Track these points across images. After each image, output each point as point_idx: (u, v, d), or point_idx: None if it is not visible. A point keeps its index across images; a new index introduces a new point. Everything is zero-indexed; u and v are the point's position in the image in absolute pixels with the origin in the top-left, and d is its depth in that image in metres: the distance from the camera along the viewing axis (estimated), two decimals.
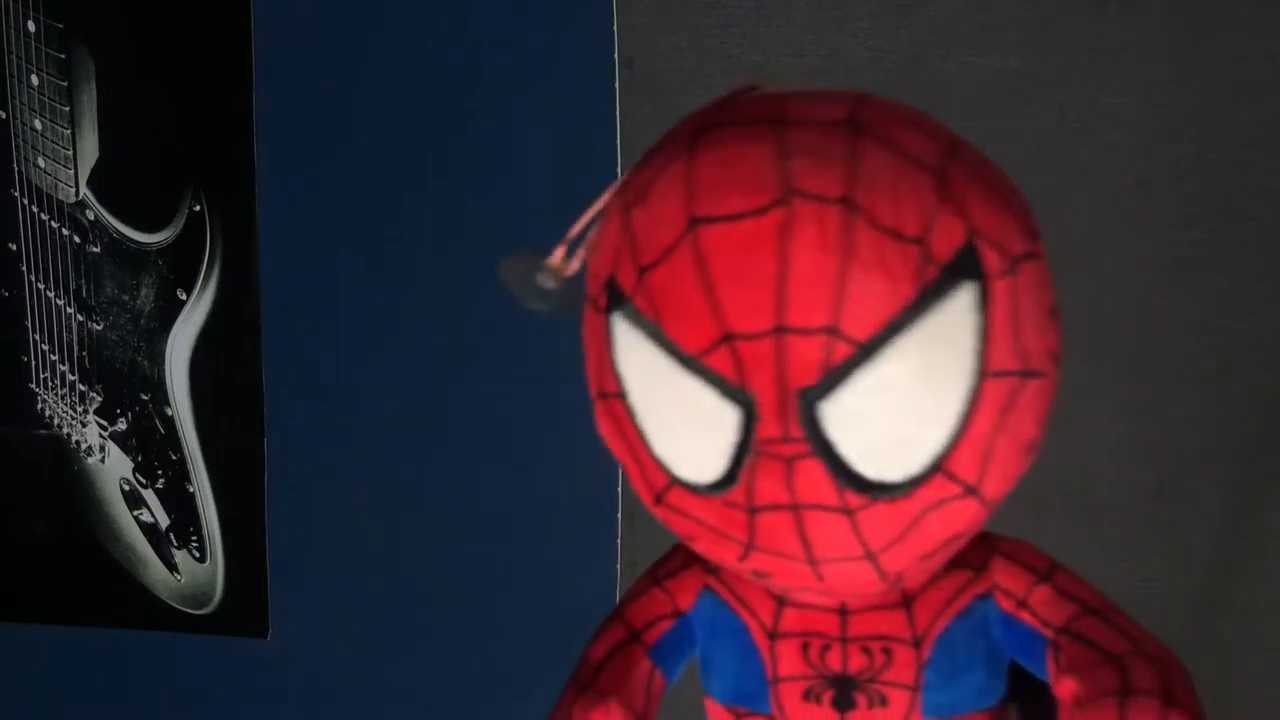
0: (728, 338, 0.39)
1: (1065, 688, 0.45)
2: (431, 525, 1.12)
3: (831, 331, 0.38)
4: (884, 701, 0.48)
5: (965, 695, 0.48)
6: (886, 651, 0.47)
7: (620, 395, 0.43)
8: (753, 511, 0.42)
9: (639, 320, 0.41)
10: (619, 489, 1.06)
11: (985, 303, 0.39)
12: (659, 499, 0.44)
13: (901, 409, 0.39)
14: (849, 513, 0.41)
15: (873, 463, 0.40)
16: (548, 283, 0.45)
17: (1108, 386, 0.98)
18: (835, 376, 0.39)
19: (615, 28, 1.01)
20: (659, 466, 0.43)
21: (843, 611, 0.47)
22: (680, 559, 0.51)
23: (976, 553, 0.48)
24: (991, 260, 0.39)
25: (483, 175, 1.06)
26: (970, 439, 0.40)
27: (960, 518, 0.42)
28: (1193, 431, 0.99)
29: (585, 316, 0.44)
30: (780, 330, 0.38)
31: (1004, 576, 0.48)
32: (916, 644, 0.47)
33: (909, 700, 0.48)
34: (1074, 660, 0.45)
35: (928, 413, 0.39)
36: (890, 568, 0.43)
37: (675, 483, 0.43)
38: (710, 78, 1.00)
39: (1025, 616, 0.48)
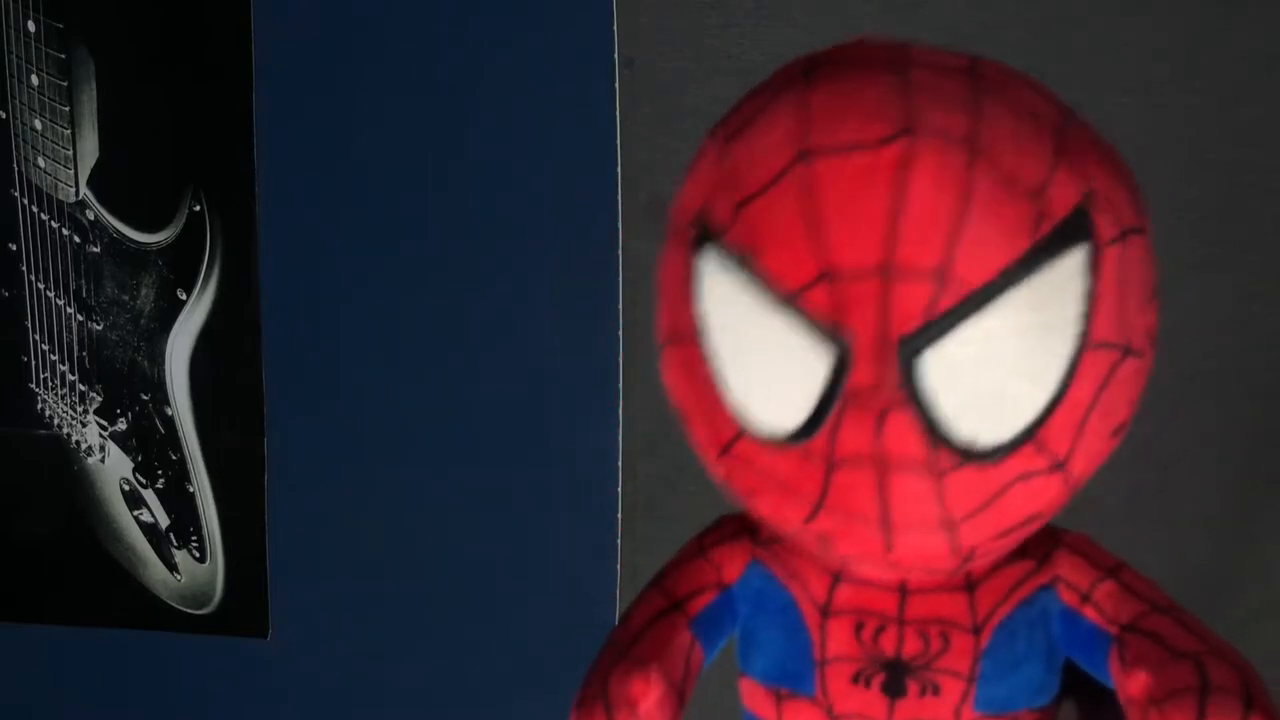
0: (826, 275, 0.37)
1: (1137, 682, 0.43)
2: (431, 525, 1.12)
3: (941, 276, 0.36)
4: (936, 690, 0.46)
5: (1020, 690, 0.46)
6: (944, 637, 0.45)
7: (696, 336, 0.40)
8: (832, 465, 0.39)
9: (730, 256, 0.39)
10: (619, 489, 1.06)
11: (1095, 267, 0.38)
12: (725, 450, 0.42)
13: (1003, 367, 0.38)
14: (937, 473, 0.39)
15: (967, 422, 0.38)
16: None
17: None
18: (940, 325, 0.37)
19: (615, 28, 1.01)
20: (729, 415, 0.41)
21: (902, 590, 0.45)
22: (728, 528, 0.48)
23: (1041, 544, 0.46)
24: (1104, 225, 0.38)
25: (483, 175, 1.06)
26: (1066, 409, 0.39)
27: (1044, 494, 0.41)
28: (1193, 431, 0.99)
29: (665, 255, 0.42)
30: (886, 269, 0.36)
31: (1068, 569, 0.46)
32: (976, 631, 0.45)
33: (962, 691, 0.46)
34: (1145, 655, 0.43)
35: (1029, 374, 0.38)
36: (966, 541, 0.41)
37: (745, 433, 0.41)
38: (710, 78, 1.00)
39: (1089, 612, 0.46)
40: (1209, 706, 0.41)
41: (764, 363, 0.39)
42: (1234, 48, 0.95)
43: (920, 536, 0.41)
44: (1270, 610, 1.00)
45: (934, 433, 0.38)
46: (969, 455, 0.38)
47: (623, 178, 1.02)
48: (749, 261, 0.38)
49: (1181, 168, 0.97)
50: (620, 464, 1.06)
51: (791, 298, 0.37)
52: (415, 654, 1.14)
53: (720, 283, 0.39)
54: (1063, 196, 0.38)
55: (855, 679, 0.46)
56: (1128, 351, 0.40)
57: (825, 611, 0.46)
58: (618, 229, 1.02)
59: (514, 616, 1.11)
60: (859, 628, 0.45)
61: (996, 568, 0.46)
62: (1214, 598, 1.01)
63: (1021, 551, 0.46)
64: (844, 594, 0.45)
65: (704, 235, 0.39)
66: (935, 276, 0.36)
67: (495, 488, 1.10)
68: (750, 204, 0.38)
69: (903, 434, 0.38)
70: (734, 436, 0.41)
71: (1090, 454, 0.41)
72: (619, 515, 1.06)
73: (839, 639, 0.46)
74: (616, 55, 1.02)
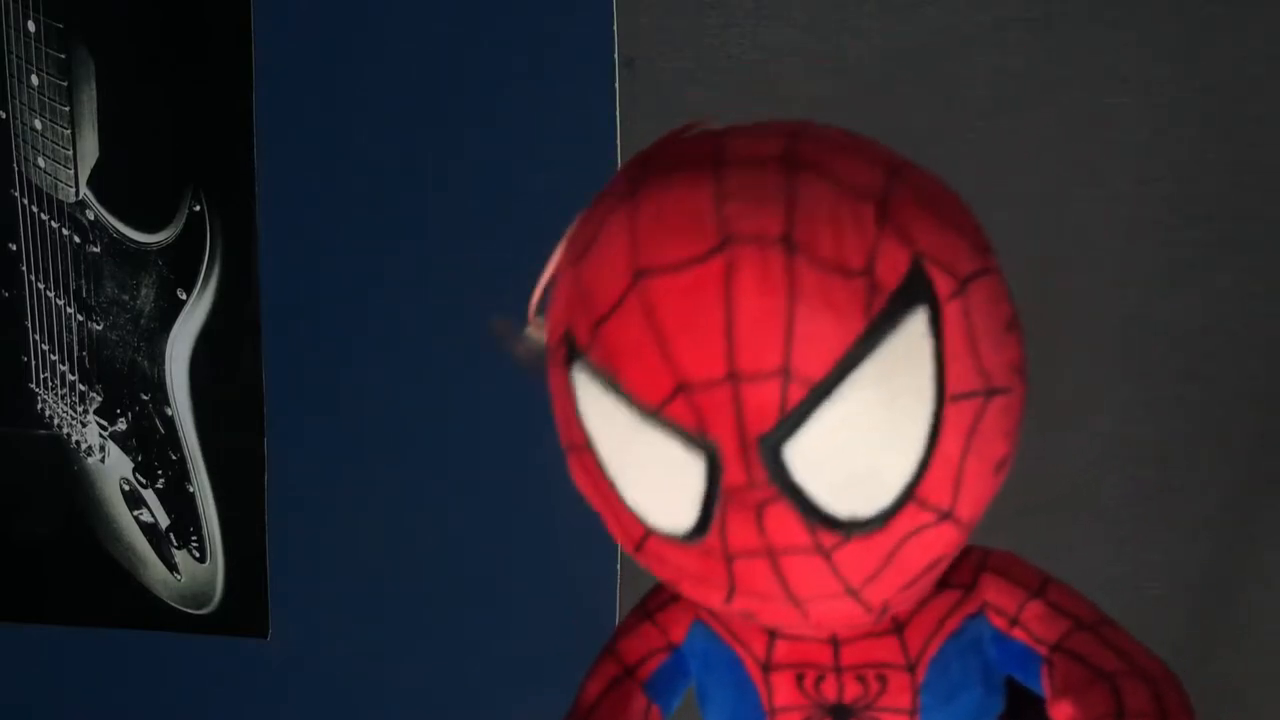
0: (682, 388, 0.38)
1: (1061, 711, 0.45)
2: (431, 525, 1.12)
3: (785, 374, 0.38)
4: None
5: (962, 715, 0.48)
6: (881, 679, 0.47)
7: (588, 447, 0.43)
8: (730, 558, 0.41)
9: (596, 373, 0.41)
10: None
11: (938, 326, 0.39)
12: (638, 547, 0.44)
13: (865, 443, 0.39)
14: (825, 553, 0.40)
15: (843, 500, 0.39)
16: (532, 343, 0.45)
17: (1108, 386, 0.98)
18: (794, 418, 0.38)
19: (615, 28, 1.01)
20: (634, 516, 0.43)
21: (834, 642, 0.47)
22: (670, 591, 0.50)
23: (965, 570, 0.48)
24: (941, 283, 0.39)
25: (482, 175, 1.06)
26: (939, 465, 0.40)
27: (937, 544, 0.42)
28: (1193, 431, 0.99)
29: (549, 369, 0.44)
30: (733, 377, 0.38)
31: (995, 594, 0.48)
32: (911, 669, 0.47)
33: None
34: (1068, 681, 0.45)
35: (892, 444, 0.39)
36: (874, 600, 0.43)
37: (651, 532, 0.43)
38: (710, 78, 1.00)
39: (1018, 634, 0.47)
40: None
41: (647, 470, 0.41)
42: (1234, 48, 0.95)
43: (830, 604, 0.42)
44: (1271, 610, 1.00)
45: (812, 516, 0.40)
46: (852, 529, 0.40)
47: None
48: (613, 379, 0.40)
49: (1181, 168, 0.97)
50: None
51: (656, 411, 0.39)
52: (415, 654, 1.14)
53: (593, 398, 0.41)
54: (891, 267, 0.38)
55: None
56: (991, 392, 0.40)
57: (767, 666, 0.48)
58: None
59: (514, 617, 1.11)
60: (800, 678, 0.47)
61: (922, 604, 0.47)
62: (1214, 598, 1.01)
63: (946, 582, 0.47)
64: (781, 649, 0.47)
65: (572, 353, 0.42)
66: (779, 375, 0.38)
67: (495, 488, 1.10)
68: (603, 325, 0.40)
69: (783, 523, 0.40)
70: (643, 535, 0.43)
71: (975, 497, 0.42)
72: None
73: (783, 690, 0.48)
74: (616, 55, 1.02)
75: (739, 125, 0.42)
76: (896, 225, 0.38)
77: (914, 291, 0.38)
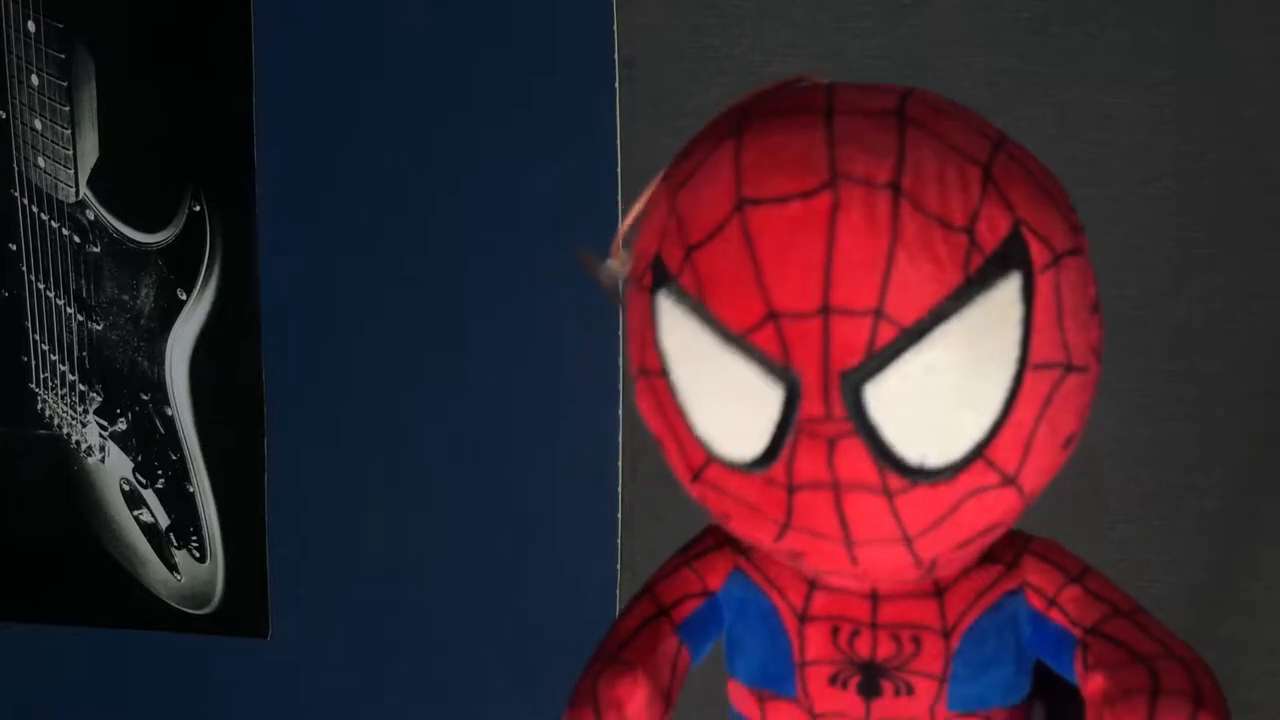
0: (773, 316, 0.39)
1: (1094, 683, 0.45)
2: (431, 525, 1.12)
3: (877, 314, 0.38)
4: (910, 690, 0.48)
5: (992, 689, 0.48)
6: (916, 640, 0.47)
7: (662, 372, 0.43)
8: (792, 490, 0.42)
9: (684, 298, 0.41)
10: (619, 489, 1.06)
11: (1030, 294, 0.40)
12: (697, 476, 0.44)
13: (945, 395, 0.39)
14: (889, 494, 0.41)
15: (915, 446, 0.40)
16: (612, 275, 0.46)
17: (1109, 386, 0.98)
18: (880, 359, 0.39)
19: (615, 28, 1.01)
20: (698, 443, 0.43)
21: (874, 597, 0.47)
22: (712, 539, 0.51)
23: (1008, 549, 0.48)
24: (1037, 252, 0.40)
25: (482, 175, 1.06)
26: (1011, 428, 0.40)
27: (998, 507, 0.42)
28: (1193, 431, 0.99)
29: (629, 295, 0.45)
30: (825, 311, 0.39)
31: (1036, 575, 0.48)
32: (946, 634, 0.47)
33: (935, 691, 0.48)
34: (1103, 658, 0.46)
35: (970, 400, 0.40)
36: (925, 553, 0.43)
37: (714, 460, 0.43)
38: (710, 78, 1.00)
39: (1055, 615, 0.48)
40: (1159, 706, 0.43)
41: (722, 397, 0.42)
42: (1234, 48, 0.95)
43: (881, 550, 0.43)
44: (1272, 610, 1.00)
45: (883, 457, 0.40)
46: (919, 476, 0.41)
47: (623, 178, 1.02)
48: (701, 304, 0.41)
49: (1181, 168, 0.97)
50: (620, 464, 1.06)
51: (742, 337, 0.40)
52: (415, 654, 1.14)
53: (677, 322, 0.42)
54: (992, 229, 0.39)
55: (833, 681, 0.48)
56: (1070, 368, 0.41)
57: (803, 617, 0.48)
58: (618, 229, 1.02)
59: (514, 616, 1.11)
60: (835, 632, 0.48)
61: (965, 573, 0.48)
62: (1214, 598, 1.01)
63: (990, 557, 0.48)
64: (820, 601, 0.48)
65: (660, 278, 0.42)
66: (871, 316, 0.39)
67: (495, 488, 1.10)
68: (698, 250, 0.41)
69: (853, 460, 0.40)
70: (703, 463, 0.44)
71: (1041, 467, 0.42)
72: (619, 515, 1.06)
73: (816, 643, 0.48)
74: (616, 55, 1.02)
75: (848, 83, 0.43)
76: (1000, 190, 0.40)
77: (1011, 256, 0.39)
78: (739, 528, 0.45)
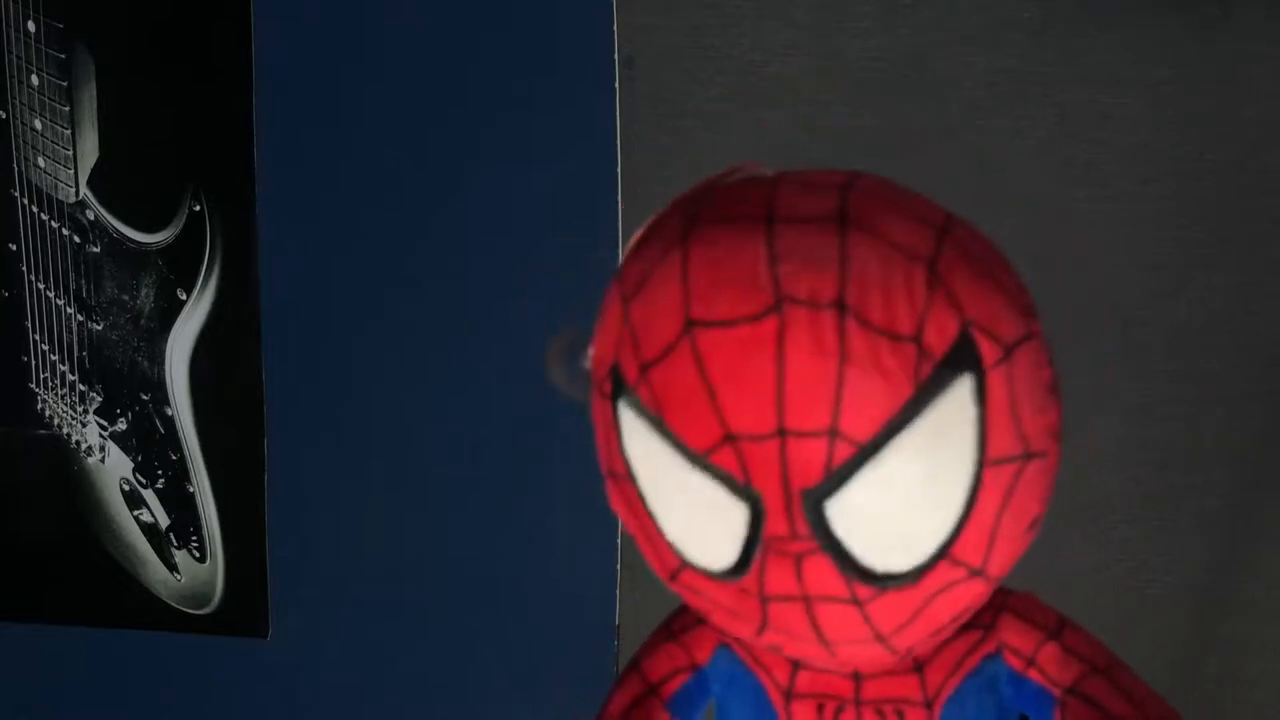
0: (730, 438, 0.39)
1: None
2: (431, 525, 1.12)
3: (832, 434, 0.39)
4: None
5: None
6: (899, 713, 0.48)
7: (630, 478, 0.43)
8: (765, 600, 0.42)
9: (643, 412, 0.42)
10: None
11: (982, 393, 0.39)
12: (673, 577, 0.45)
13: (905, 504, 0.40)
14: (859, 603, 0.42)
15: (880, 556, 0.41)
16: (576, 368, 0.46)
17: (1108, 387, 0.98)
18: (838, 476, 0.39)
19: (615, 27, 1.01)
20: (671, 548, 0.44)
21: (856, 676, 0.48)
22: (691, 617, 0.51)
23: (986, 610, 0.48)
24: (987, 350, 0.40)
25: (482, 175, 1.06)
26: (974, 525, 0.41)
27: (966, 597, 0.43)
28: (1193, 431, 0.99)
29: (593, 398, 0.45)
30: (781, 433, 0.39)
31: (1013, 635, 0.49)
32: (928, 705, 0.48)
33: None
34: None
35: (931, 505, 0.40)
36: (901, 646, 0.44)
37: (688, 565, 0.44)
38: (710, 78, 1.00)
39: (1034, 675, 0.48)
40: None
41: (689, 509, 0.42)
42: (1234, 48, 0.95)
43: (858, 648, 0.44)
44: (1272, 610, 1.00)
45: (850, 569, 0.41)
46: (887, 582, 0.41)
47: (623, 178, 1.02)
48: (660, 420, 0.41)
49: (1181, 168, 0.97)
50: None
51: (703, 457, 0.40)
52: (415, 654, 1.14)
53: (639, 433, 0.42)
54: (940, 333, 0.39)
55: None
56: (1029, 456, 0.41)
57: (789, 694, 0.49)
58: (618, 229, 1.02)
59: (514, 616, 1.11)
60: (820, 709, 0.48)
61: (944, 643, 0.48)
62: (1214, 598, 1.01)
63: (969, 620, 0.48)
64: (804, 679, 0.48)
65: (619, 388, 0.42)
66: (826, 436, 0.39)
67: (495, 488, 1.10)
68: (653, 369, 0.41)
69: (821, 574, 0.41)
70: (679, 567, 0.44)
71: (1007, 554, 0.43)
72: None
73: (803, 718, 0.49)
74: (616, 55, 1.02)
75: (789, 174, 0.42)
76: (947, 290, 0.39)
77: (961, 359, 0.39)
78: (719, 623, 0.46)
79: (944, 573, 0.41)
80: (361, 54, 1.07)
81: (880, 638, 0.43)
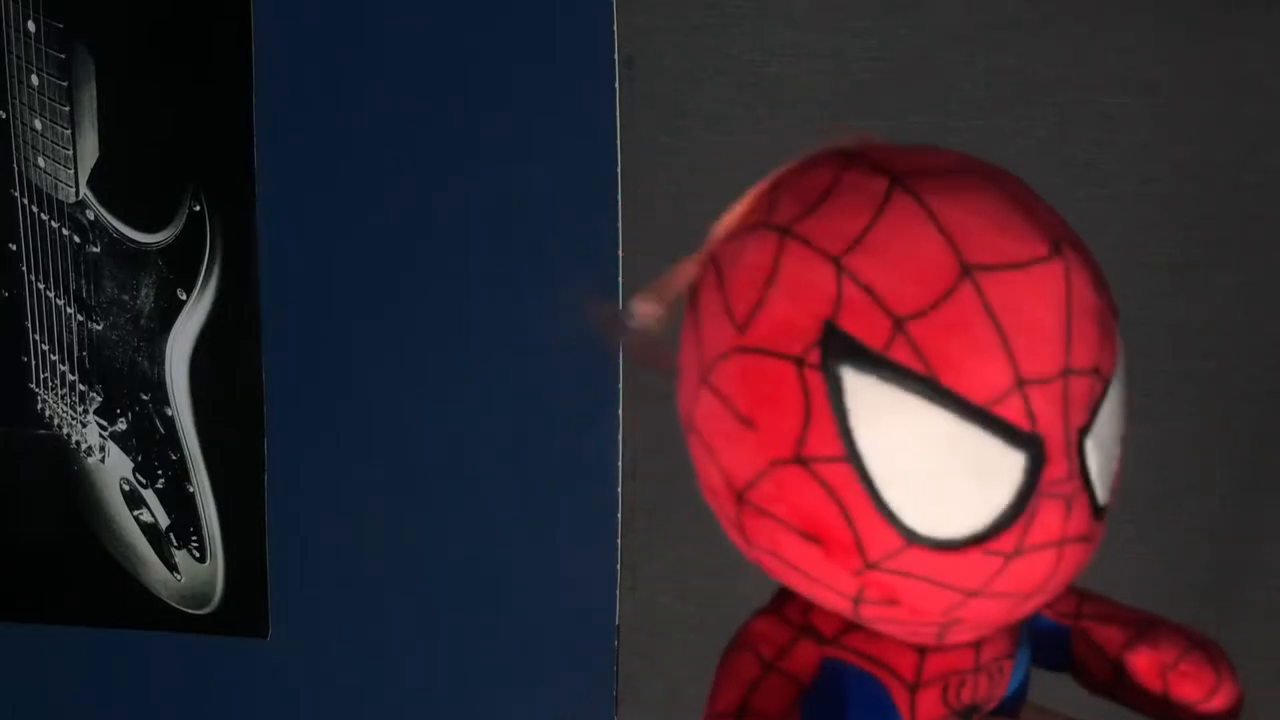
0: (1021, 383, 0.39)
1: (1144, 659, 0.49)
2: (431, 525, 1.12)
3: (1095, 370, 0.41)
4: (982, 713, 0.48)
5: (1019, 689, 0.50)
6: (1001, 670, 0.48)
7: (846, 459, 0.40)
8: (1015, 554, 0.41)
9: (897, 374, 0.39)
10: (619, 489, 1.06)
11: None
12: (874, 565, 0.42)
13: (1112, 436, 0.43)
14: (1091, 541, 0.42)
15: (1103, 486, 0.43)
16: (638, 324, 0.44)
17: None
18: (1093, 412, 0.41)
19: (615, 27, 1.01)
20: (890, 529, 0.41)
21: (977, 645, 0.47)
22: (776, 634, 0.47)
23: None
24: None
25: (482, 175, 1.06)
26: (1121, 459, 0.44)
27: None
28: (1193, 432, 0.99)
29: (763, 374, 0.41)
30: (1066, 373, 0.40)
31: None
32: (1013, 653, 0.48)
33: (998, 707, 0.49)
34: (1124, 637, 0.50)
35: (1120, 437, 0.43)
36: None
37: (913, 544, 0.41)
38: (710, 78, 1.00)
39: (1045, 610, 0.49)
40: (1217, 659, 0.50)
41: (946, 474, 0.40)
42: (1234, 48, 0.95)
43: (1043, 598, 0.43)
44: (1271, 610, 1.00)
45: (1094, 505, 0.42)
46: (1102, 516, 0.43)
47: (623, 178, 1.02)
48: (931, 379, 0.39)
49: (1181, 168, 0.97)
50: (620, 464, 1.06)
51: (985, 409, 0.39)
52: (415, 654, 1.14)
53: (884, 401, 0.40)
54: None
55: None
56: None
57: (914, 687, 0.46)
58: (618, 229, 1.02)
59: (514, 617, 1.11)
60: (945, 690, 0.47)
61: None
62: (1214, 598, 1.01)
63: None
64: (932, 664, 0.46)
65: (843, 353, 0.40)
66: (1092, 373, 0.41)
67: (495, 488, 1.10)
68: (916, 322, 0.39)
69: (1081, 514, 0.42)
70: (892, 551, 0.41)
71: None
72: (619, 515, 1.06)
73: (928, 708, 0.47)
74: (616, 55, 1.02)
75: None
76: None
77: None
78: (905, 612, 0.43)
79: (1111, 506, 0.43)
80: (361, 54, 1.07)
81: (1077, 580, 0.44)
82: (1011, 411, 0.39)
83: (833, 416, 0.40)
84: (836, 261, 0.40)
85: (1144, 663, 0.49)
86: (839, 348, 0.40)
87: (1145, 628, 0.50)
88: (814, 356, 0.40)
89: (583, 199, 1.04)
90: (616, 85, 1.02)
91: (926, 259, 0.39)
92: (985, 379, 0.39)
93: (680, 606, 1.04)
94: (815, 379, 0.40)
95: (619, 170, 1.02)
